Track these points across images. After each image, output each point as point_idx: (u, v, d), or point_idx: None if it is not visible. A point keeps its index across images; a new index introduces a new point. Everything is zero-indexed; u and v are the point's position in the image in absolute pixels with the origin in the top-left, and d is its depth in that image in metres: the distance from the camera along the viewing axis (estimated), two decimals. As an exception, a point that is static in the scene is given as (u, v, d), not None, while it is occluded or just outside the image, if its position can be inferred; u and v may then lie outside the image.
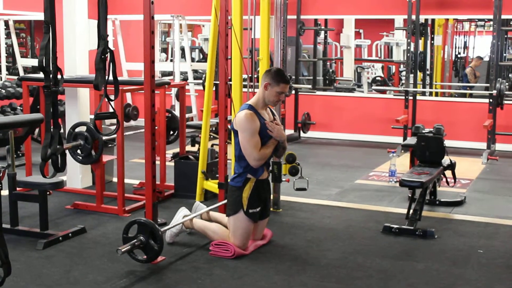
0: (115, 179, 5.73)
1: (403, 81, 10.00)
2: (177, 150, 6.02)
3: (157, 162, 4.57)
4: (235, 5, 4.93)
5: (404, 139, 8.21)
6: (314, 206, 5.42)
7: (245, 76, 5.35)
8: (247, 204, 4.06)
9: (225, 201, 4.80)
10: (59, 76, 3.68)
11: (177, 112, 6.09)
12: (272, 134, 4.08)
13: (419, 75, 10.07)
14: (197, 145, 6.81)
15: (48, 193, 4.40)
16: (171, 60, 10.23)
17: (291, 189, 5.05)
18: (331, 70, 12.05)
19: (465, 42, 12.80)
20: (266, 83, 4.09)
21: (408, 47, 8.64)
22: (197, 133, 7.10)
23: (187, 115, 7.67)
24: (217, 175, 5.19)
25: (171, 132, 5.92)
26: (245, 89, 5.23)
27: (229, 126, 4.54)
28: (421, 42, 10.07)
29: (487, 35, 13.92)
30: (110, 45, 9.55)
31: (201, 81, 9.21)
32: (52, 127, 3.72)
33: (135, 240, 3.78)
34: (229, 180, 4.26)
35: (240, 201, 4.07)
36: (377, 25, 13.52)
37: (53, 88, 3.66)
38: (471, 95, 10.23)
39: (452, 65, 12.36)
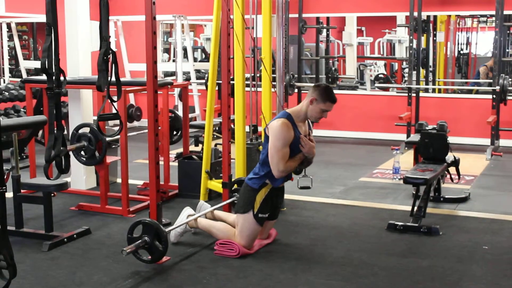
0: (119, 180, 5.73)
1: (406, 78, 9.98)
2: (181, 150, 6.02)
3: (161, 163, 4.58)
4: (236, 4, 4.93)
5: (408, 136, 8.21)
6: (318, 204, 5.42)
7: (247, 75, 5.35)
8: (259, 207, 4.04)
9: (229, 200, 4.81)
10: (62, 78, 3.69)
11: (180, 112, 6.10)
12: (303, 149, 4.00)
13: (422, 72, 10.06)
14: (200, 145, 6.81)
15: (52, 194, 4.40)
16: (174, 60, 10.24)
17: (295, 187, 5.04)
18: (333, 68, 12.04)
19: (467, 38, 12.77)
20: (313, 98, 3.98)
21: (411, 44, 8.63)
22: (200, 133, 7.10)
23: (190, 115, 7.67)
24: (221, 175, 5.19)
25: (175, 132, 5.93)
26: (247, 88, 5.23)
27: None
28: (423, 39, 10.04)
29: (489, 31, 13.89)
30: (113, 46, 9.54)
31: (203, 81, 9.22)
32: (55, 129, 3.72)
33: (140, 240, 3.79)
34: (245, 178, 4.21)
35: (252, 203, 4.05)
36: (379, 22, 13.52)
37: (56, 90, 3.66)
38: (477, 92, 10.18)
39: (455, 61, 12.33)
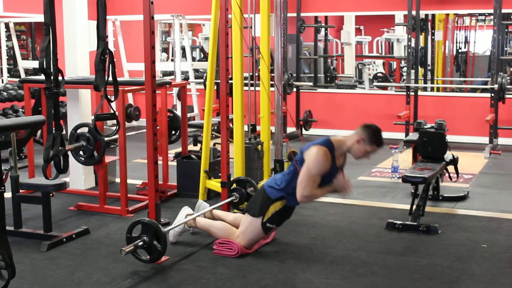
0: (118, 180, 5.73)
1: (405, 77, 9.99)
2: (179, 149, 6.02)
3: (160, 162, 4.58)
4: (235, 3, 4.93)
5: (406, 135, 8.20)
6: (317, 203, 5.39)
7: (246, 74, 5.35)
8: (269, 217, 4.01)
9: (228, 199, 4.81)
10: (60, 78, 3.69)
11: (178, 112, 6.09)
12: (337, 185, 3.91)
13: (420, 70, 10.06)
14: (199, 144, 6.81)
15: (51, 194, 4.40)
16: (172, 60, 10.24)
17: (293, 186, 5.05)
18: (332, 67, 12.05)
19: (466, 37, 12.78)
20: (361, 138, 3.89)
21: (409, 43, 8.63)
22: (199, 133, 7.10)
23: (188, 115, 7.67)
24: (219, 174, 5.19)
25: (173, 132, 5.92)
26: (246, 88, 5.23)
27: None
28: (421, 37, 10.06)
29: (488, 29, 13.89)
30: (111, 46, 9.52)
31: (202, 80, 9.21)
32: (54, 128, 3.72)
33: (139, 240, 3.79)
34: (265, 183, 4.13)
35: (264, 211, 4.01)
36: (378, 21, 13.52)
37: (54, 90, 3.67)
38: (478, 90, 10.17)
39: (453, 60, 12.34)
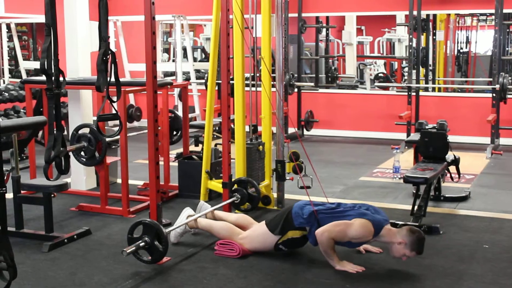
0: (119, 180, 5.73)
1: (406, 77, 9.98)
2: (181, 150, 6.02)
3: (161, 163, 4.57)
4: (236, 4, 4.92)
5: (408, 135, 8.21)
6: (319, 204, 5.40)
7: (247, 75, 5.34)
8: (284, 240, 3.98)
9: (230, 200, 4.81)
10: (61, 79, 3.68)
11: (180, 112, 6.09)
12: (346, 264, 3.83)
13: (422, 71, 10.06)
14: (200, 145, 6.81)
15: (52, 195, 4.40)
16: (173, 60, 10.24)
17: (295, 187, 5.05)
18: (333, 68, 12.03)
19: (467, 37, 12.77)
20: (404, 241, 3.77)
21: (410, 43, 8.63)
22: (200, 133, 7.10)
23: (190, 115, 7.67)
24: (221, 175, 5.19)
25: (174, 133, 5.93)
26: (247, 88, 5.22)
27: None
28: (423, 37, 10.04)
29: (489, 29, 13.87)
30: (112, 47, 9.51)
31: (203, 80, 9.22)
32: (55, 129, 3.72)
33: (140, 241, 3.79)
34: (296, 205, 4.05)
35: (283, 232, 3.97)
36: (379, 21, 13.54)
37: (55, 91, 3.66)
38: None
39: (455, 60, 12.33)
